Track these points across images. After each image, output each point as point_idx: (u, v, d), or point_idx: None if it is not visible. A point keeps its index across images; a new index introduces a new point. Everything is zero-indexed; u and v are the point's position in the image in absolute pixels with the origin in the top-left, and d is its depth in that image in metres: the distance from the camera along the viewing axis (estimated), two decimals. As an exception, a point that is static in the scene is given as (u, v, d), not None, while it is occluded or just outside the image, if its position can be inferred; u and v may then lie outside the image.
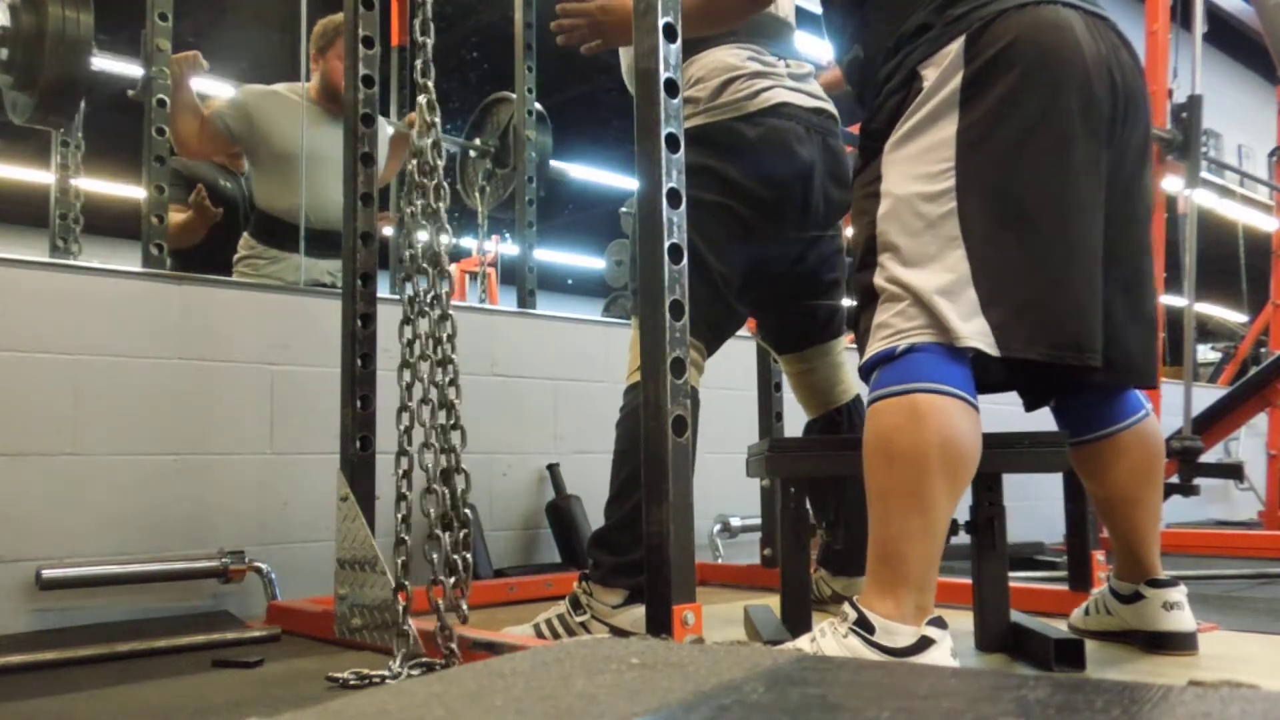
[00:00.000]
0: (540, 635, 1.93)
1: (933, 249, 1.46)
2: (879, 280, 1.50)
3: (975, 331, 1.42)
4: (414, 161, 1.86)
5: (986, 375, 1.50)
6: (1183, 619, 1.67)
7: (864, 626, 1.40)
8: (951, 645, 1.40)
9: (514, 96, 3.80)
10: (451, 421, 1.75)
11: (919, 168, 1.49)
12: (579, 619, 1.91)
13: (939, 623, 1.40)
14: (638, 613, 1.73)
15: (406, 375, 1.80)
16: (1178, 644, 1.67)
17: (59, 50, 2.47)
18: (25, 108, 2.65)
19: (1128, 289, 1.59)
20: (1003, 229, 1.45)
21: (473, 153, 4.05)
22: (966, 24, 1.49)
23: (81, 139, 3.23)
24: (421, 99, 1.89)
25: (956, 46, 1.48)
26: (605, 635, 1.88)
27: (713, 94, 2.00)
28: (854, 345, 1.64)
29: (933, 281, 1.44)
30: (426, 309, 1.80)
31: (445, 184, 1.86)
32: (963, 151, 1.46)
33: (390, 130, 3.54)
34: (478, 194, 4.02)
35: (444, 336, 1.78)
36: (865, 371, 1.53)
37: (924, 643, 1.38)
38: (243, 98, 3.27)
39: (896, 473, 1.42)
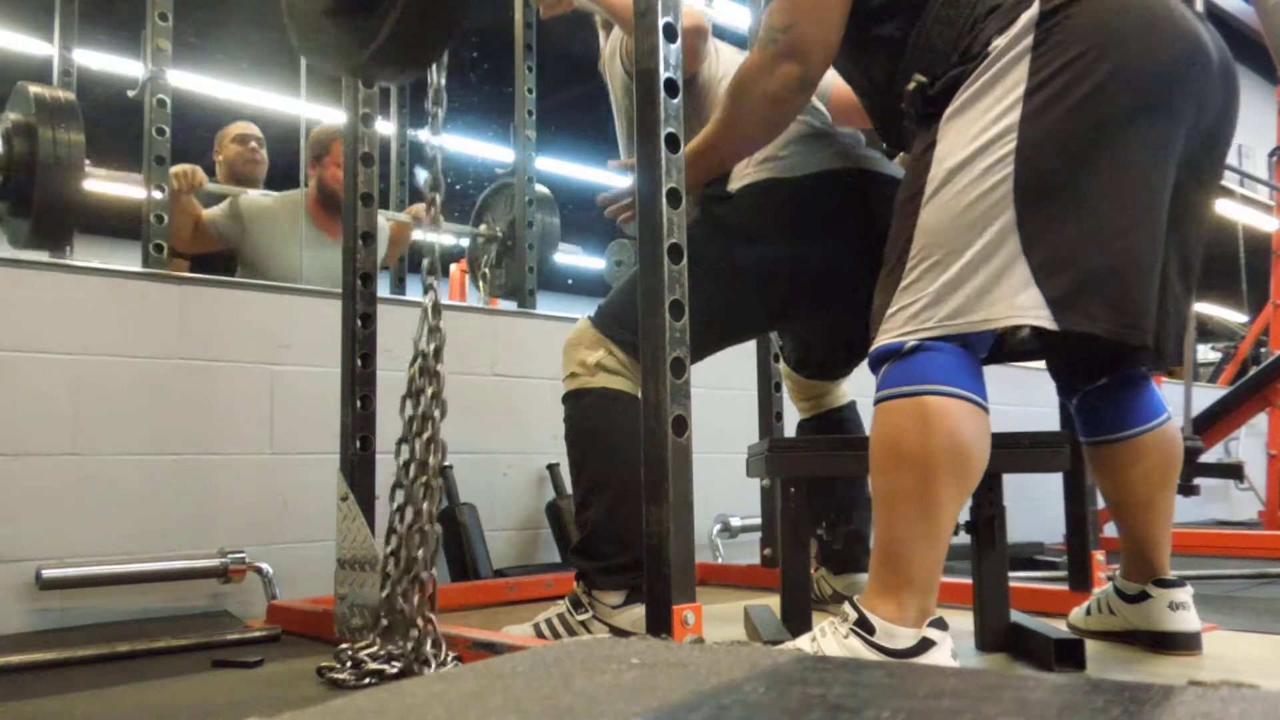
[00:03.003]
0: (540, 635, 1.93)
1: (978, 224, 1.38)
2: (910, 260, 1.44)
3: (1028, 306, 1.35)
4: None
5: (1019, 344, 1.47)
6: (1188, 619, 1.67)
7: (864, 627, 1.39)
8: (952, 647, 1.40)
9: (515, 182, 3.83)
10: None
11: (977, 131, 1.40)
12: (580, 618, 1.91)
13: (940, 624, 1.40)
14: (638, 612, 1.73)
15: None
16: (1182, 644, 1.67)
17: (51, 175, 2.52)
18: (19, 233, 2.70)
19: (1182, 270, 1.54)
20: (1065, 198, 1.37)
21: (480, 239, 4.04)
22: None
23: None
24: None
25: (1030, 14, 1.40)
26: (605, 635, 1.88)
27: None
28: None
29: (972, 261, 1.37)
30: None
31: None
32: (1027, 115, 1.37)
33: (386, 224, 3.64)
34: (480, 280, 4.01)
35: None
36: (874, 363, 1.49)
37: (924, 645, 1.37)
38: (239, 208, 3.40)
39: (903, 477, 1.39)
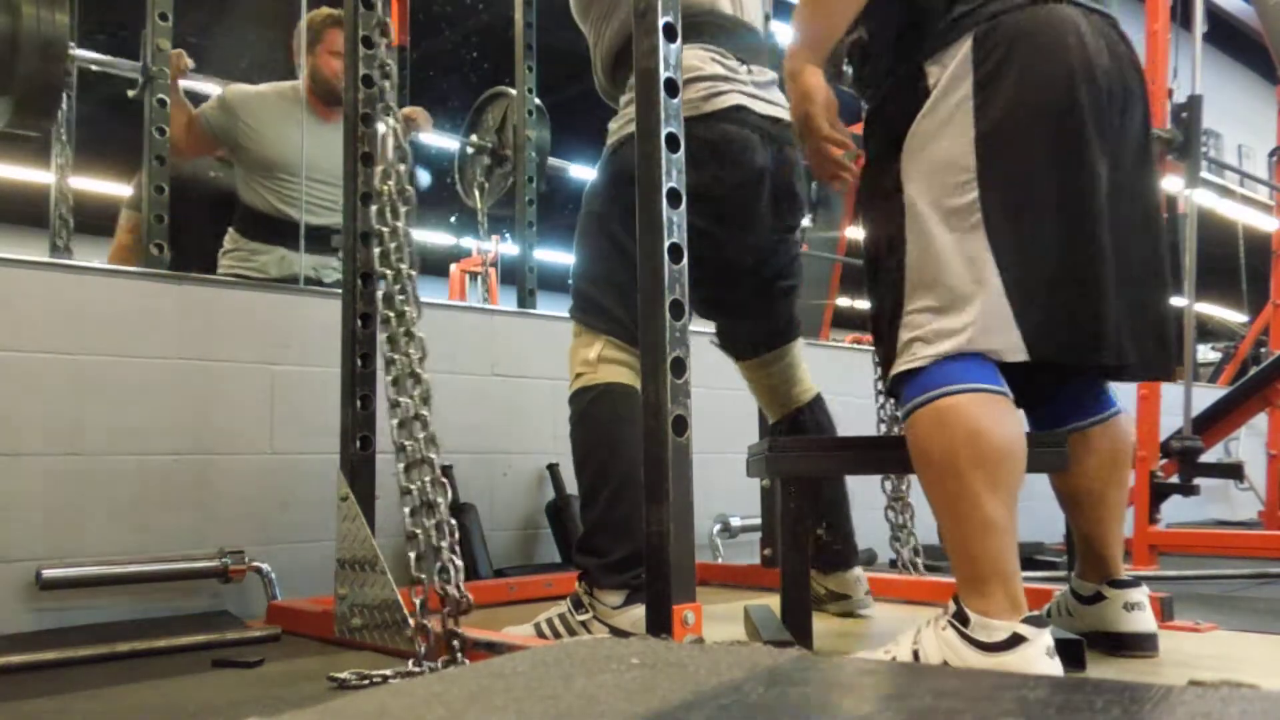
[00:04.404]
0: (541, 635, 1.92)
1: (961, 267, 1.45)
2: (908, 304, 1.50)
3: (1012, 346, 1.43)
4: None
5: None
6: (1144, 619, 1.65)
7: (960, 619, 1.41)
8: (1049, 644, 1.38)
9: (511, 91, 3.76)
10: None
11: (943, 177, 1.49)
12: (580, 618, 1.90)
13: (1036, 621, 1.39)
14: (638, 613, 1.74)
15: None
16: (1139, 645, 1.64)
17: (34, 51, 2.43)
18: (2, 113, 2.61)
19: (1140, 282, 1.58)
20: (1028, 234, 1.45)
21: (470, 150, 3.99)
22: (973, 21, 1.48)
23: (66, 138, 3.23)
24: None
25: (965, 48, 1.48)
26: (606, 635, 1.89)
27: None
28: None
29: (966, 303, 1.45)
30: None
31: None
32: (983, 159, 1.46)
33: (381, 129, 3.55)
34: (476, 191, 3.95)
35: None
36: (892, 389, 1.53)
37: (1015, 640, 1.37)
38: (228, 98, 3.28)
39: (938, 479, 1.44)
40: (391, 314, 1.86)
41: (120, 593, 2.20)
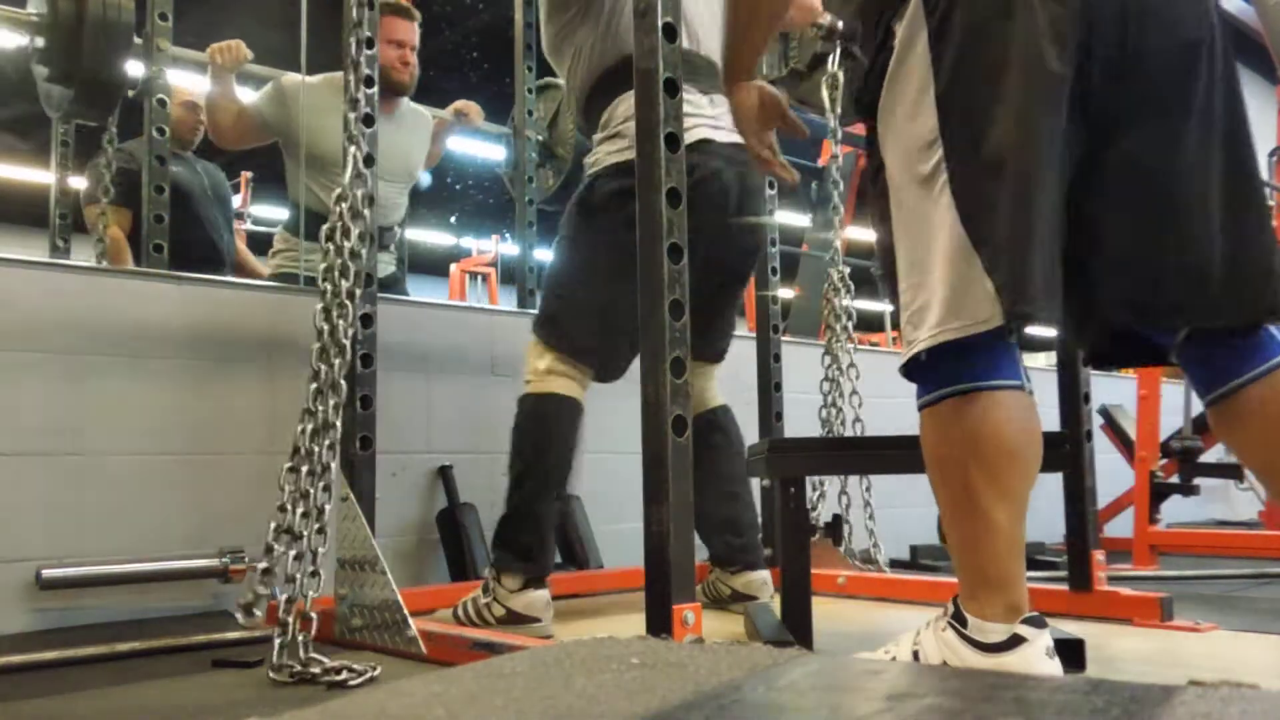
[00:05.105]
0: (457, 618, 2.07)
1: (929, 237, 1.38)
2: (900, 284, 1.44)
3: (990, 313, 1.32)
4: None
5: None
6: None
7: (959, 620, 1.40)
8: (1048, 645, 1.37)
9: (561, 83, 3.38)
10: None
11: (909, 143, 1.41)
12: (484, 600, 2.04)
13: (1036, 622, 1.37)
14: (532, 596, 2.01)
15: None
16: None
17: (100, 39, 2.31)
18: (62, 101, 2.52)
19: (1230, 194, 1.42)
20: (985, 194, 1.34)
21: (532, 140, 3.58)
22: None
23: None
24: None
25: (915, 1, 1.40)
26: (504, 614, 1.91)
27: None
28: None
29: (943, 273, 1.36)
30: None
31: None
32: (943, 115, 1.37)
33: (430, 118, 3.48)
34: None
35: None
36: (906, 378, 1.47)
37: (1015, 641, 1.35)
38: (285, 88, 3.15)
39: (941, 482, 1.41)
40: (326, 327, 1.91)
41: (120, 593, 2.20)
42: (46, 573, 2.07)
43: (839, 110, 2.86)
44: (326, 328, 1.89)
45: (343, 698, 0.72)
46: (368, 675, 1.60)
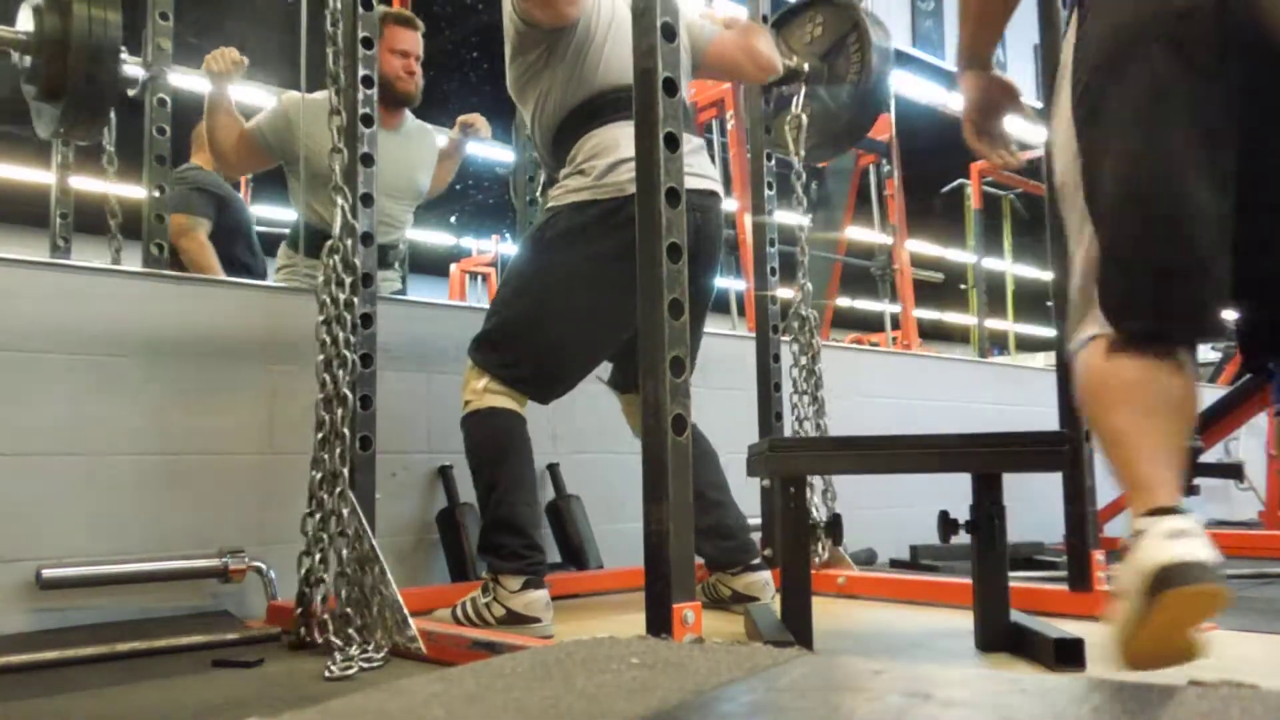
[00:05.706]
0: (455, 618, 2.09)
1: (1074, 228, 1.41)
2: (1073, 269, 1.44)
3: (1100, 322, 1.36)
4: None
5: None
6: None
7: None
8: (1168, 528, 1.27)
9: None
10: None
11: (1064, 130, 1.42)
12: (485, 600, 2.06)
13: (1159, 511, 1.29)
14: (533, 595, 2.03)
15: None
16: None
17: (85, 56, 2.31)
18: (51, 119, 2.51)
19: None
20: (1107, 181, 1.35)
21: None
22: None
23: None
24: None
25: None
26: (504, 614, 1.94)
27: (601, 173, 2.14)
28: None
29: (1076, 272, 1.40)
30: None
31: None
32: (1078, 102, 1.38)
33: (442, 140, 3.44)
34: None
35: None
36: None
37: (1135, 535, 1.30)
38: (287, 108, 3.11)
39: (1089, 417, 1.42)
40: (328, 379, 1.99)
41: (120, 593, 2.20)
42: (46, 573, 2.07)
43: (803, 152, 2.85)
44: (328, 338, 1.95)
45: (343, 698, 0.72)
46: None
